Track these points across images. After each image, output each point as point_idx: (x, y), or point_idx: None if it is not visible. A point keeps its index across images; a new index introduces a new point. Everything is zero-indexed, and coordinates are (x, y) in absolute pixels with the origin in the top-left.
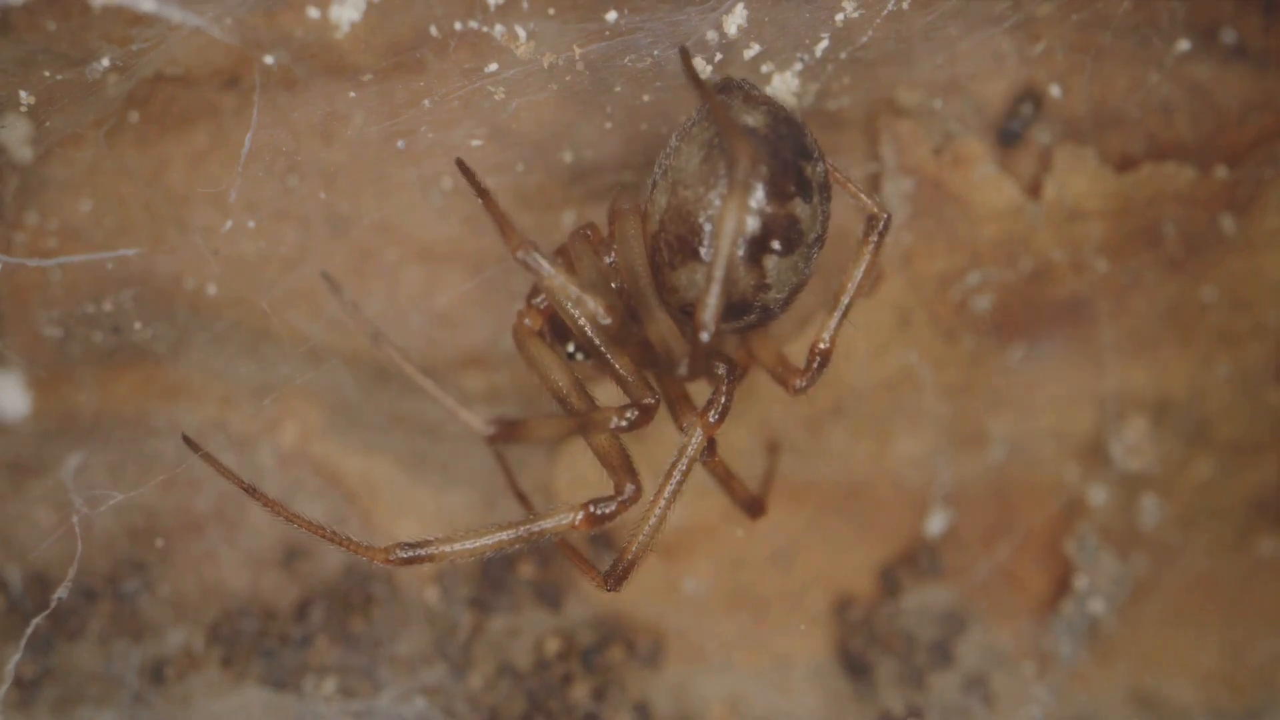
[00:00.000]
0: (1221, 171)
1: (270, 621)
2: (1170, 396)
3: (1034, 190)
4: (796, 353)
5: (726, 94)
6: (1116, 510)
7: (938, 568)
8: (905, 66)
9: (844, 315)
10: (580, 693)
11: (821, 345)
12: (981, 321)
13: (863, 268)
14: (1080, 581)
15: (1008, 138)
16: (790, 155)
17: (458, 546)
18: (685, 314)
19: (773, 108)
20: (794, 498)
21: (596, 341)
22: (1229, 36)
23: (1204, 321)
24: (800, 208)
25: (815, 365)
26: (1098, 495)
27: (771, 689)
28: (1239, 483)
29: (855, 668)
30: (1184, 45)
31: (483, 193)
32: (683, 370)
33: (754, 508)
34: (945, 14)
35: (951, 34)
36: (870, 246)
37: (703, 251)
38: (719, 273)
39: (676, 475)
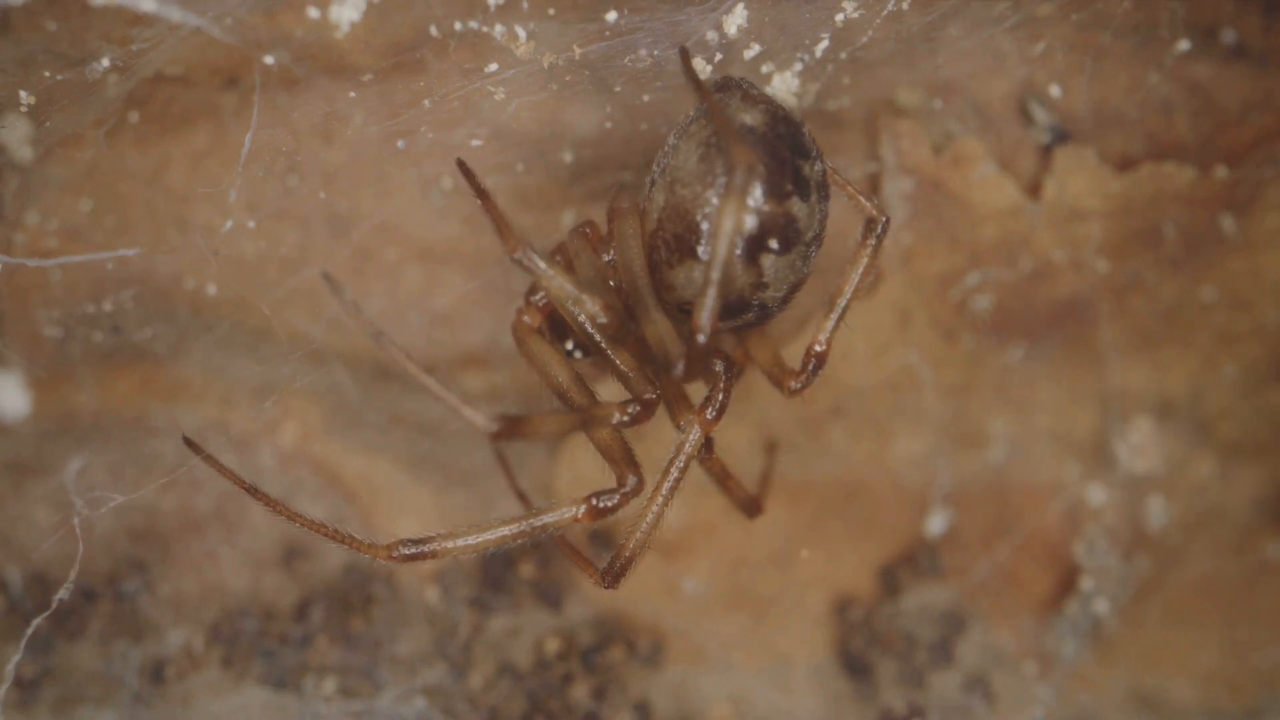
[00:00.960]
0: (1221, 171)
1: (270, 621)
2: (1171, 397)
3: (1034, 190)
4: (795, 354)
5: (725, 93)
6: (1121, 511)
7: (938, 568)
8: (905, 66)
9: (841, 317)
10: (580, 693)
11: (817, 347)
12: (981, 321)
13: (860, 270)
14: (1085, 583)
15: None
16: (788, 154)
17: (460, 542)
18: (683, 312)
19: (771, 106)
20: (794, 498)
21: (596, 339)
22: (1229, 36)
23: (1204, 321)
24: (798, 206)
25: (811, 367)
26: (1098, 495)
27: (772, 689)
28: (1240, 483)
29: (855, 668)
30: (1184, 45)
31: (482, 194)
32: (679, 371)
33: (751, 507)
34: (945, 14)
35: (951, 34)
36: (868, 249)
37: (700, 250)
38: (715, 275)
39: (674, 473)
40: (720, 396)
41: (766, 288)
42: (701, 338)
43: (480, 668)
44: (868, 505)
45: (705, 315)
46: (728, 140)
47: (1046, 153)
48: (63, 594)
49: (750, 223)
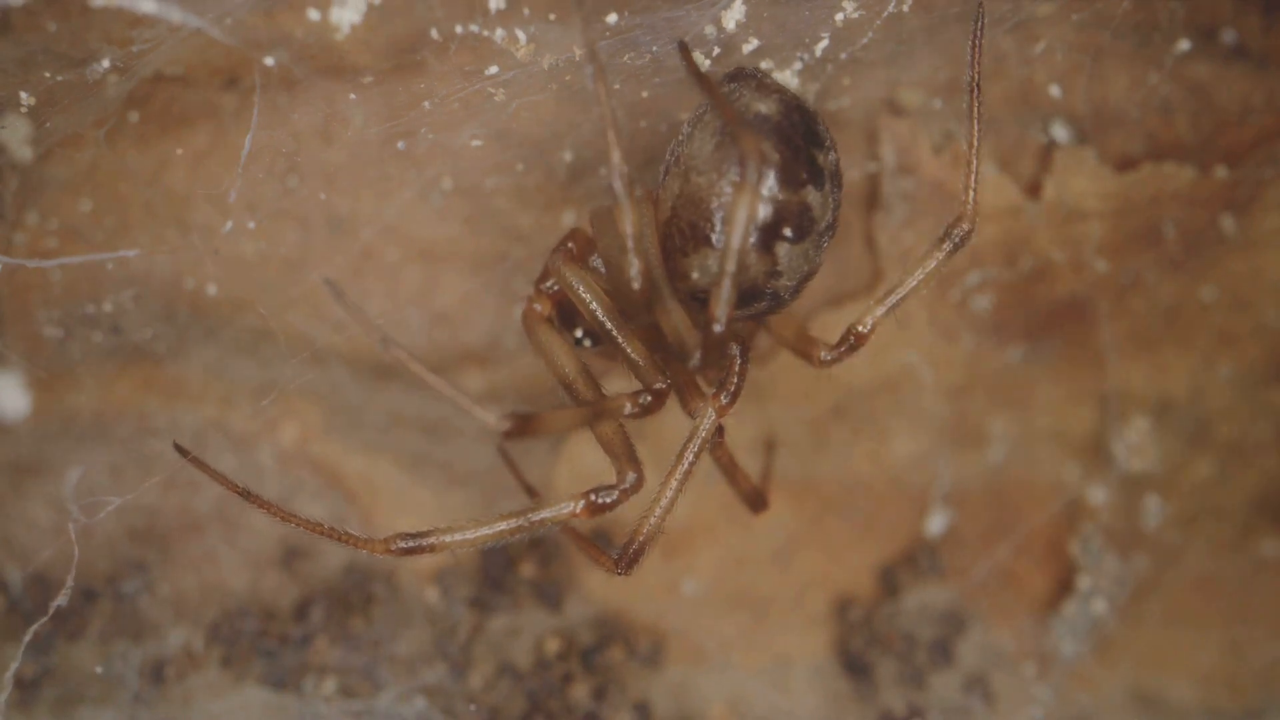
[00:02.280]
0: (1221, 171)
1: (270, 621)
2: (1170, 396)
3: (1034, 190)
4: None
5: (739, 82)
6: (1118, 510)
7: (938, 568)
8: (905, 66)
9: (894, 308)
10: (580, 693)
11: (861, 328)
12: (981, 321)
13: (928, 271)
14: (1083, 582)
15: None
16: (802, 143)
17: (458, 536)
18: (697, 301)
19: (785, 95)
20: (794, 497)
21: (608, 326)
22: (1229, 36)
23: (1204, 321)
24: (812, 195)
25: (847, 345)
26: (1098, 495)
27: (771, 689)
28: (1239, 483)
29: (855, 668)
30: (1184, 45)
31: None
32: (696, 361)
33: (756, 501)
34: (945, 15)
35: (952, 34)
36: (944, 252)
37: (714, 238)
38: (731, 266)
39: (688, 457)
40: (735, 380)
41: (780, 276)
42: (717, 327)
43: (480, 668)
44: (868, 505)
45: (721, 305)
46: (737, 130)
47: (1046, 153)
48: (62, 600)
49: (765, 211)
